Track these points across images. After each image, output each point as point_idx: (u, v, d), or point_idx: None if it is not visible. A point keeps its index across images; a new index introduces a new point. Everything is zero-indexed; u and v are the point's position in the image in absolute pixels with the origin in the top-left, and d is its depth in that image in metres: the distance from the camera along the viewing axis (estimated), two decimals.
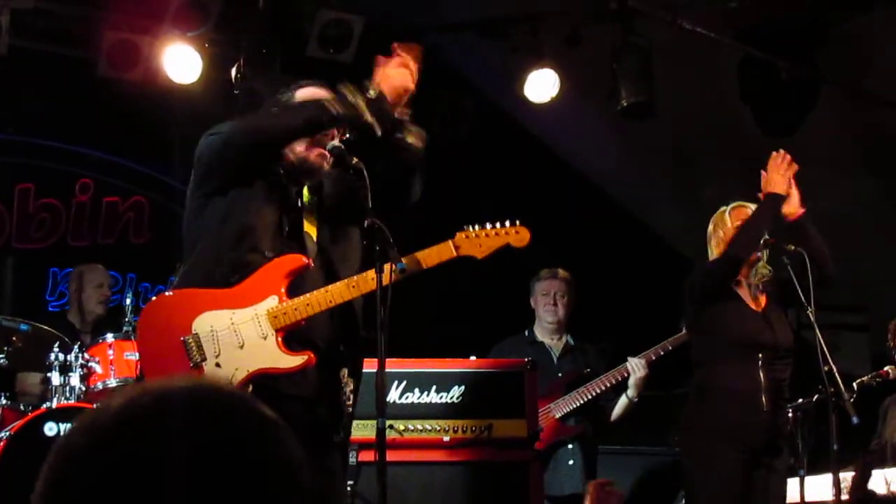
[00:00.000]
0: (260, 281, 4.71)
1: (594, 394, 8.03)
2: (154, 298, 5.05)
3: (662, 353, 8.08)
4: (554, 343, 8.47)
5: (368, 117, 4.74)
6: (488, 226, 4.98)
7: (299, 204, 4.95)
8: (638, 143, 11.07)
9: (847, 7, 9.31)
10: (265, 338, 4.66)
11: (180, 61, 9.16)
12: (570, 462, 7.98)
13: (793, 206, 6.49)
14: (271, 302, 4.68)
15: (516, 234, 5.01)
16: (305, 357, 4.62)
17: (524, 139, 11.52)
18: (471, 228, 4.97)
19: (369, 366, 4.87)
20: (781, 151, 6.53)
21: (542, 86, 9.68)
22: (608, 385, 8.07)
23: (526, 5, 9.75)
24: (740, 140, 10.08)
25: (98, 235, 10.80)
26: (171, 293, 4.93)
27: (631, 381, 8.04)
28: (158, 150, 10.57)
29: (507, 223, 5.01)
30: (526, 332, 8.56)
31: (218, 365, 4.60)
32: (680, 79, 9.82)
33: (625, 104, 9.28)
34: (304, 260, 4.76)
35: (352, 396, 4.55)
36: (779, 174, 6.44)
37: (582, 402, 7.99)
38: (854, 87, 9.93)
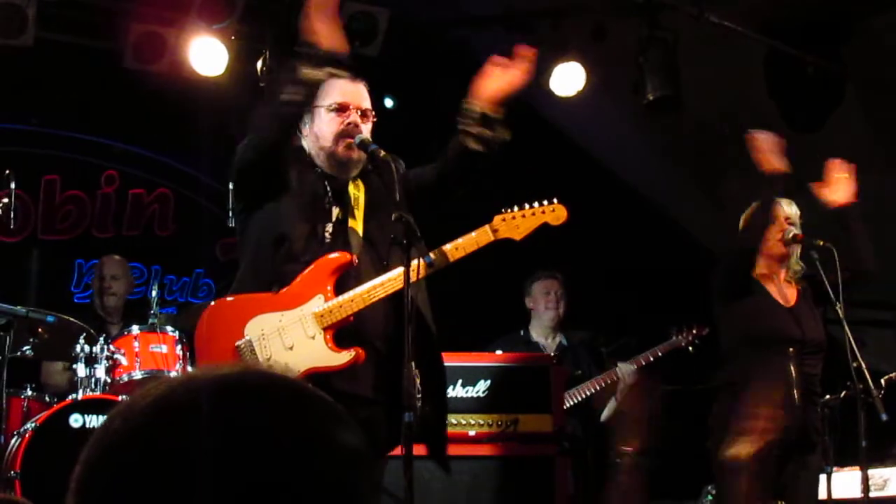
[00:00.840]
0: (307, 281, 4.77)
1: (584, 395, 8.05)
2: (209, 306, 5.07)
3: (652, 358, 8.10)
4: (548, 343, 8.49)
5: (320, 75, 4.76)
6: (525, 206, 5.01)
7: (343, 200, 4.97)
8: (662, 137, 11.04)
9: (873, 4, 9.26)
10: (313, 337, 4.72)
11: (206, 54, 9.16)
12: None
13: (838, 195, 6.49)
14: (317, 301, 4.75)
15: (553, 213, 5.07)
16: (353, 353, 4.67)
17: (549, 133, 11.49)
18: (507, 211, 5.00)
19: (447, 360, 4.95)
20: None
21: (567, 79, 9.67)
22: (598, 388, 8.08)
23: None
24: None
25: (123, 227, 10.81)
26: (225, 300, 4.97)
27: (620, 387, 8.06)
28: (184, 142, 10.58)
29: (545, 202, 5.04)
30: (521, 332, 8.57)
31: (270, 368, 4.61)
32: (705, 73, 9.78)
33: (650, 98, 9.25)
34: (348, 257, 4.79)
35: (421, 391, 4.53)
36: (768, 152, 6.43)
37: (572, 403, 7.99)
38: (880, 84, 9.87)
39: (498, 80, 5.01)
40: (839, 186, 6.52)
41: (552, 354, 8.23)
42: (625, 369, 8.03)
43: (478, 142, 4.99)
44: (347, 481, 1.43)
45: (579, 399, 8.02)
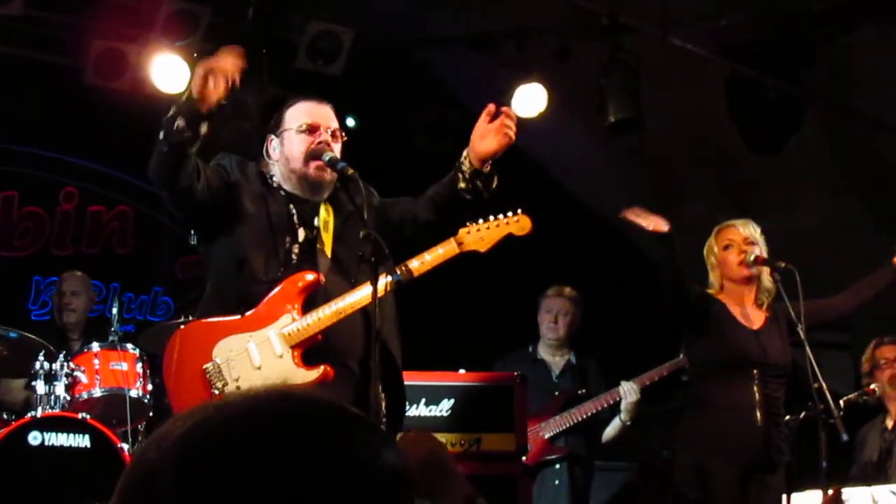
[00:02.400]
0: (274, 301, 4.78)
1: (585, 416, 8.01)
2: (178, 330, 5.07)
3: (657, 378, 8.07)
4: (555, 361, 8.45)
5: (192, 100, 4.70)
6: (490, 218, 5.03)
7: (311, 221, 4.98)
8: (625, 158, 11.08)
9: (834, 27, 9.34)
10: (281, 356, 4.72)
11: (168, 71, 9.11)
12: (556, 482, 7.97)
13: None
14: (285, 320, 4.76)
15: (517, 223, 5.09)
16: (321, 370, 4.66)
17: (510, 153, 11.50)
18: (472, 223, 5.01)
19: (410, 379, 4.94)
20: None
21: (529, 100, 9.68)
22: (600, 408, 8.05)
23: (514, 20, 9.75)
24: (727, 157, 10.10)
25: (82, 244, 10.74)
26: (194, 323, 4.97)
27: (623, 405, 8.01)
28: (144, 159, 10.43)
29: (509, 213, 5.06)
30: (529, 349, 8.54)
31: (238, 388, 4.61)
32: (668, 96, 9.83)
33: (612, 120, 9.27)
34: (316, 276, 4.80)
35: (386, 413, 4.54)
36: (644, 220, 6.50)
37: (572, 423, 7.96)
38: (840, 107, 9.96)
39: (491, 140, 5.01)
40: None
41: (558, 375, 8.25)
42: (627, 388, 7.99)
43: (470, 193, 5.02)
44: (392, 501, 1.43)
45: (580, 419, 7.97)
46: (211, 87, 4.65)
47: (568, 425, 7.93)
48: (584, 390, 8.16)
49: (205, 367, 4.76)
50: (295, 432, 1.39)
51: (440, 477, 4.07)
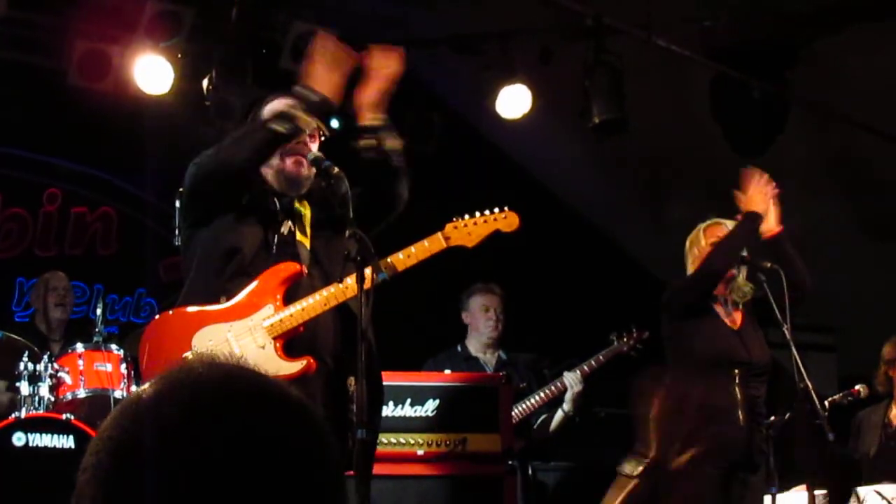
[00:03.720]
0: (256, 292, 4.76)
1: (530, 409, 8.03)
2: (156, 318, 5.09)
3: (595, 364, 8.10)
4: (488, 358, 8.47)
5: (311, 124, 4.78)
6: (477, 214, 5.03)
7: (292, 215, 4.98)
8: (609, 160, 11.10)
9: (817, 29, 9.36)
10: (263, 347, 4.71)
11: (152, 72, 9.08)
12: None
13: (770, 224, 6.53)
14: (267, 311, 4.74)
15: (505, 220, 5.10)
16: (304, 362, 4.66)
17: (495, 155, 11.53)
18: (459, 219, 5.01)
19: (396, 379, 4.93)
20: (758, 171, 6.56)
21: (514, 102, 9.69)
22: (543, 400, 8.07)
23: (498, 21, 9.75)
24: (711, 159, 10.11)
25: (65, 246, 10.73)
26: (171, 312, 4.94)
27: (567, 396, 8.06)
28: (128, 161, 10.52)
29: (496, 209, 5.07)
30: (458, 347, 8.54)
31: None
32: (652, 97, 9.84)
33: (596, 121, 9.28)
34: (298, 267, 4.80)
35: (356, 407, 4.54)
36: (759, 193, 6.47)
37: (518, 417, 7.97)
38: (824, 109, 9.98)
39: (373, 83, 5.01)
40: (772, 215, 6.58)
41: (493, 371, 8.24)
42: (571, 378, 8.02)
43: (368, 153, 5.03)
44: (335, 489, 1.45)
45: (524, 413, 7.99)
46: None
47: (516, 419, 7.92)
48: (524, 384, 8.17)
49: (184, 356, 4.73)
50: (254, 420, 1.42)
51: None
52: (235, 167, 4.84)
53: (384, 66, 5.01)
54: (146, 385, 1.48)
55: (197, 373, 1.46)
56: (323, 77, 4.84)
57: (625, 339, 8.19)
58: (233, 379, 1.47)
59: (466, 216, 5.08)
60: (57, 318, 8.70)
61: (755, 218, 6.44)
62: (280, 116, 4.77)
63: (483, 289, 8.54)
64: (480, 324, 8.46)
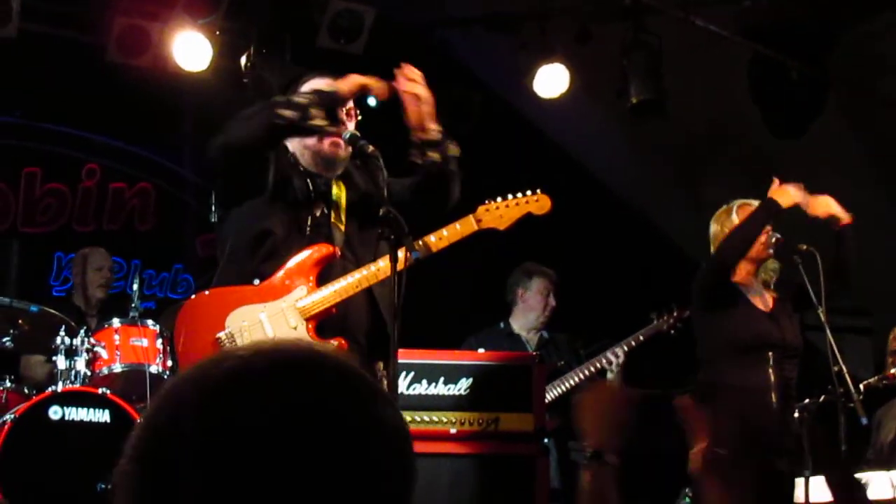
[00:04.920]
0: (289, 273, 4.78)
1: (571, 384, 8.01)
2: (191, 298, 5.10)
3: (634, 343, 8.07)
4: (530, 337, 8.46)
5: (317, 119, 4.77)
6: (509, 196, 5.03)
7: (326, 198, 4.99)
8: (646, 141, 11.06)
9: (857, 10, 9.30)
10: (296, 328, 4.74)
11: (190, 49, 9.11)
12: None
13: (841, 215, 6.52)
14: (300, 292, 4.76)
15: (537, 203, 5.11)
16: (336, 343, 4.67)
17: (532, 135, 11.50)
18: (491, 201, 5.02)
19: (430, 358, 5.20)
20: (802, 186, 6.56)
21: (551, 81, 9.66)
22: (585, 375, 8.05)
23: (536, 1, 9.72)
24: (748, 140, 10.07)
25: (103, 221, 10.79)
26: (206, 292, 4.97)
27: (613, 368, 8.02)
28: (166, 137, 10.56)
29: (528, 192, 5.07)
30: (501, 324, 8.54)
31: None
32: (690, 77, 9.80)
33: (634, 101, 9.26)
34: (332, 249, 4.81)
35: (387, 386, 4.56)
36: (793, 188, 6.46)
37: (558, 393, 7.95)
38: (862, 90, 9.92)
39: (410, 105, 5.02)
40: (835, 209, 6.57)
41: (535, 349, 8.24)
42: (614, 353, 8.02)
43: (430, 165, 5.01)
44: (399, 457, 1.45)
45: (565, 389, 7.98)
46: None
47: (553, 396, 7.91)
48: (562, 362, 8.17)
49: (217, 335, 4.77)
50: (309, 391, 1.42)
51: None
52: (236, 147, 4.82)
53: (412, 89, 5.01)
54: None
55: (239, 352, 1.48)
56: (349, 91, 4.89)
57: (665, 318, 8.16)
58: (283, 350, 1.48)
59: (499, 199, 5.08)
60: (97, 297, 8.76)
61: (772, 205, 6.42)
62: (289, 104, 4.78)
63: (546, 273, 8.54)
64: (539, 306, 8.46)
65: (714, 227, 6.74)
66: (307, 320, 4.77)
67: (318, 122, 4.77)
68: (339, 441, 1.39)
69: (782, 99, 9.39)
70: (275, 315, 4.78)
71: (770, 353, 6.19)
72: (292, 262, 4.82)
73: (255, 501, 1.34)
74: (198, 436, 1.37)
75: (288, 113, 4.72)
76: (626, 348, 8.07)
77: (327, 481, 1.36)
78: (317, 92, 4.81)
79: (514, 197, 5.09)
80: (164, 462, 1.38)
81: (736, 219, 6.63)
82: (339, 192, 5.06)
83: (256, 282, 4.83)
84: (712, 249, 6.71)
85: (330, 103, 4.78)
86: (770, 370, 6.21)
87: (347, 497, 1.37)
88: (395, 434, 1.46)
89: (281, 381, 1.42)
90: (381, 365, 4.68)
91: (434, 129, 5.01)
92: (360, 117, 5.14)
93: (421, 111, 4.97)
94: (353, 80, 4.85)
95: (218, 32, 9.29)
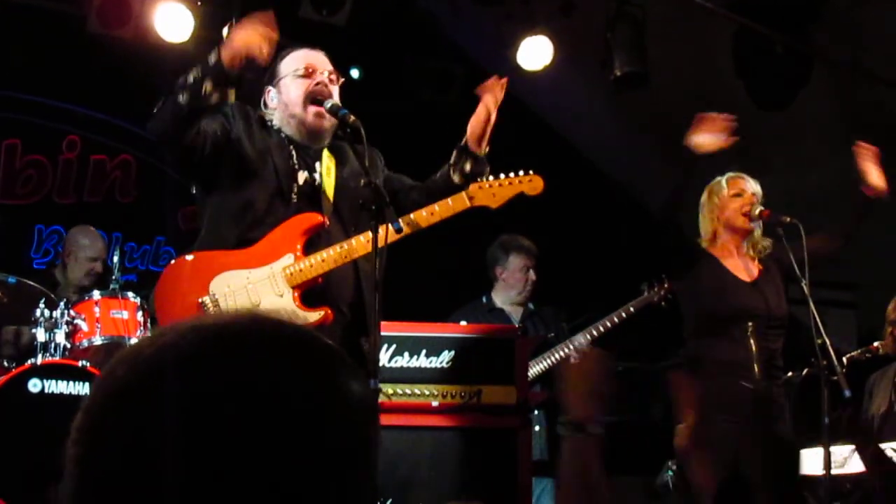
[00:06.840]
0: (276, 240, 4.78)
1: (559, 356, 8.00)
2: (172, 261, 5.07)
3: (625, 315, 8.05)
4: (513, 309, 8.45)
5: (214, 96, 4.67)
6: (502, 176, 5.06)
7: (312, 166, 4.97)
8: (629, 113, 11.04)
9: None
10: (282, 295, 4.74)
11: (171, 19, 9.05)
12: (535, 428, 7.96)
13: (878, 183, 6.53)
14: (287, 260, 4.76)
15: (530, 183, 5.16)
16: (322, 313, 4.69)
17: (516, 107, 11.46)
18: (484, 179, 5.03)
19: (412, 330, 5.31)
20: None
21: (535, 53, 9.61)
22: (572, 349, 8.05)
23: None
24: (733, 113, 10.03)
25: (84, 193, 10.73)
26: (189, 256, 4.94)
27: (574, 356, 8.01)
28: (147, 109, 10.43)
29: (521, 172, 5.09)
30: (483, 299, 8.52)
31: None
32: (674, 50, 9.77)
33: (618, 74, 9.23)
34: (320, 218, 4.80)
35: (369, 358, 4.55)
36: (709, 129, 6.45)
37: (547, 366, 7.94)
38: (848, 63, 9.89)
39: (483, 115, 5.04)
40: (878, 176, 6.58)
41: (519, 322, 8.22)
42: (578, 341, 8.01)
43: (463, 177, 5.06)
44: (360, 430, 1.42)
45: (553, 361, 7.95)
46: (242, 55, 4.63)
47: (542, 368, 7.90)
48: (552, 334, 8.16)
49: (201, 300, 4.75)
50: (270, 360, 1.38)
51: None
52: (162, 140, 4.90)
53: (492, 104, 5.05)
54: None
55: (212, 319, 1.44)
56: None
57: (655, 290, 8.13)
58: (256, 322, 1.45)
59: (491, 177, 5.09)
60: (82, 284, 8.61)
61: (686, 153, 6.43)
62: (184, 86, 4.66)
63: (524, 248, 8.50)
64: (518, 283, 8.44)
65: (703, 198, 6.74)
66: (293, 288, 4.76)
67: (215, 97, 4.67)
68: (296, 413, 1.35)
69: (767, 72, 9.35)
70: (260, 281, 4.76)
71: (750, 324, 6.17)
72: (279, 229, 4.81)
73: (207, 475, 1.31)
74: (160, 403, 1.33)
75: (183, 99, 4.64)
76: (616, 320, 8.04)
77: (282, 452, 1.32)
78: (202, 65, 4.68)
79: (507, 176, 5.13)
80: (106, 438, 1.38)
81: (726, 188, 6.63)
82: (330, 163, 5.05)
83: (242, 247, 4.81)
84: (700, 220, 6.72)
85: (216, 77, 4.64)
86: (751, 340, 6.19)
87: (303, 467, 1.34)
88: (359, 405, 1.43)
89: (239, 353, 1.38)
90: (378, 332, 4.68)
91: (485, 148, 5.08)
92: (342, 81, 5.14)
93: (486, 126, 5.03)
94: (233, 46, 4.65)
95: (199, 3, 9.23)
